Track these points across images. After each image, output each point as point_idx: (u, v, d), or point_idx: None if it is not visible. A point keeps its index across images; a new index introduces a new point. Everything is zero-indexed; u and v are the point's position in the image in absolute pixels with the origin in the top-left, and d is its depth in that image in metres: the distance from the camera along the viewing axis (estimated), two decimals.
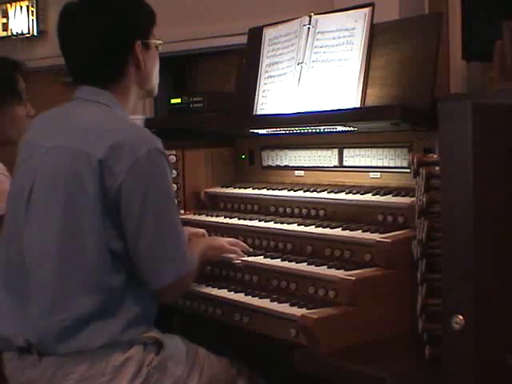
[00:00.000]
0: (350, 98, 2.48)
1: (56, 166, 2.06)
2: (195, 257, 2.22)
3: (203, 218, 2.80)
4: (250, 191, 2.80)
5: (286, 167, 2.85)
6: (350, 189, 2.46)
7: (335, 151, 2.66)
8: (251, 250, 2.49)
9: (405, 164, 2.38)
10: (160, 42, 2.27)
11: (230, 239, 2.50)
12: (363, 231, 2.24)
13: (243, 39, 3.04)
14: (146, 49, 2.20)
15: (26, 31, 5.10)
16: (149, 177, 2.02)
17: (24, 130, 2.72)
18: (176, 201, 2.85)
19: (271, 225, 2.53)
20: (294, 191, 2.62)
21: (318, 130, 2.60)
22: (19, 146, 2.25)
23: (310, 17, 2.69)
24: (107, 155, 1.99)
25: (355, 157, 2.59)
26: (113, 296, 2.02)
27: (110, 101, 2.15)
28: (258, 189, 2.78)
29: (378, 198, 2.34)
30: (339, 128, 2.51)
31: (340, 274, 2.11)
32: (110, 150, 2.00)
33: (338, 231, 2.31)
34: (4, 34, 5.26)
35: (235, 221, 2.67)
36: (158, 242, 2.03)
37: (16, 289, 2.08)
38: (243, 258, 2.42)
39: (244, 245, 2.50)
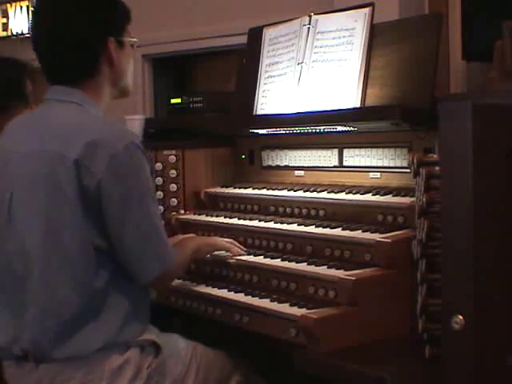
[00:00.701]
0: (350, 98, 2.48)
1: (33, 171, 2.04)
2: (186, 251, 2.26)
3: (203, 217, 2.80)
4: (250, 191, 2.80)
5: (286, 167, 2.85)
6: (350, 189, 2.46)
7: (335, 151, 2.66)
8: (245, 250, 2.48)
9: (405, 164, 2.37)
10: (135, 39, 2.24)
11: (226, 239, 2.50)
12: (363, 231, 2.24)
13: (243, 39, 3.04)
14: (120, 46, 2.17)
15: (25, 31, 5.10)
16: (128, 173, 2.01)
17: None
18: (176, 200, 2.88)
19: (271, 225, 2.52)
20: (294, 191, 2.62)
21: (318, 130, 2.60)
22: None
23: (310, 17, 2.69)
24: (83, 154, 1.97)
25: (355, 157, 2.59)
26: (101, 294, 2.01)
27: (81, 99, 2.12)
28: (258, 189, 2.78)
29: (377, 197, 2.34)
30: (339, 128, 2.51)
31: (340, 274, 2.11)
32: (85, 149, 1.97)
33: (337, 231, 2.31)
34: (4, 34, 5.26)
35: (235, 221, 2.67)
36: (142, 237, 2.02)
37: (6, 297, 2.07)
38: (237, 258, 2.42)
39: (240, 246, 2.49)
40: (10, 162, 2.09)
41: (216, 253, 2.46)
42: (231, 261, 2.43)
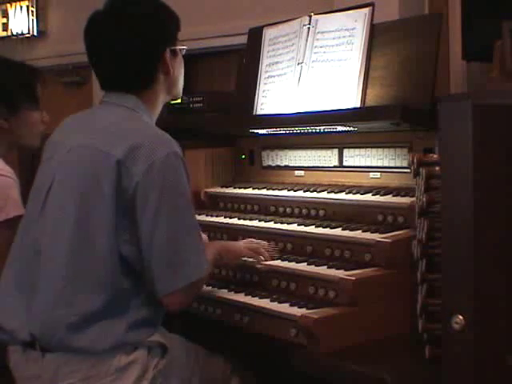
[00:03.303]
0: (350, 98, 2.48)
1: (76, 165, 2.07)
2: (209, 261, 2.18)
3: (203, 217, 2.80)
4: (249, 191, 2.81)
5: (286, 167, 2.85)
6: (350, 189, 2.46)
7: (335, 151, 2.66)
8: (277, 252, 2.40)
9: (405, 164, 2.38)
10: (185, 47, 2.28)
11: (249, 244, 2.41)
12: (363, 231, 2.24)
13: (243, 39, 3.04)
14: (173, 55, 2.22)
15: (25, 31, 5.11)
16: (164, 180, 2.00)
17: (37, 135, 2.75)
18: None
19: (271, 225, 2.53)
20: (294, 191, 2.62)
21: (318, 130, 2.60)
22: (44, 146, 2.27)
23: (310, 17, 2.69)
24: (126, 155, 1.99)
25: (355, 157, 2.59)
26: (120, 297, 2.02)
27: (136, 105, 2.16)
28: (258, 189, 2.78)
29: (377, 198, 2.34)
30: (339, 128, 2.51)
31: (340, 273, 2.11)
32: (128, 151, 2.00)
33: (337, 231, 2.31)
34: (4, 33, 5.27)
35: (235, 221, 2.67)
36: (171, 246, 2.00)
37: (25, 283, 2.08)
38: (266, 262, 2.35)
39: (267, 249, 2.41)
40: (56, 155, 2.14)
41: (244, 258, 2.39)
42: (259, 266, 2.35)
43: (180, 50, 2.26)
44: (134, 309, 2.03)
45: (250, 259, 2.38)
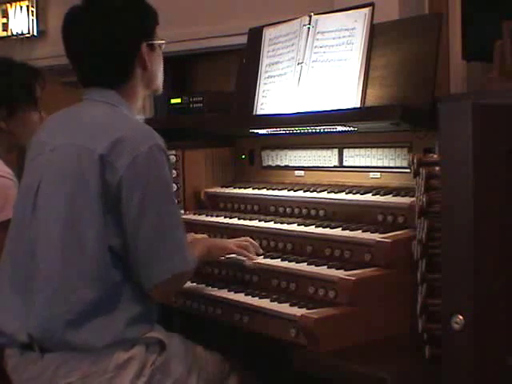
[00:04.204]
0: (350, 98, 2.48)
1: (61, 164, 2.09)
2: (195, 256, 2.21)
3: (203, 217, 2.80)
4: (250, 191, 2.80)
5: (286, 167, 2.85)
6: (350, 189, 2.46)
7: (335, 151, 2.66)
8: (262, 251, 2.43)
9: (405, 164, 2.38)
10: (163, 41, 2.29)
11: (239, 241, 2.43)
12: (363, 231, 2.24)
13: (243, 39, 3.04)
14: (151, 50, 2.22)
15: (25, 31, 5.11)
16: (148, 174, 2.02)
17: None
18: (176, 200, 2.87)
19: (271, 225, 2.52)
20: (294, 191, 2.62)
21: (317, 130, 2.60)
22: (29, 145, 2.28)
23: (310, 17, 2.69)
24: (108, 150, 2.01)
25: (355, 157, 2.59)
26: (113, 291, 2.03)
27: (116, 101, 2.17)
28: (258, 189, 2.78)
29: (377, 198, 2.34)
30: (339, 128, 2.51)
31: (340, 273, 2.11)
32: (111, 146, 2.01)
33: (337, 231, 2.31)
34: (4, 34, 5.27)
35: (235, 221, 2.67)
36: (156, 238, 2.02)
37: (22, 284, 2.09)
38: (255, 261, 2.37)
39: (256, 244, 2.44)
40: (41, 154, 2.15)
41: (232, 255, 2.41)
42: (247, 264, 2.37)
43: (159, 44, 2.26)
44: (128, 302, 2.05)
45: (239, 256, 2.39)
